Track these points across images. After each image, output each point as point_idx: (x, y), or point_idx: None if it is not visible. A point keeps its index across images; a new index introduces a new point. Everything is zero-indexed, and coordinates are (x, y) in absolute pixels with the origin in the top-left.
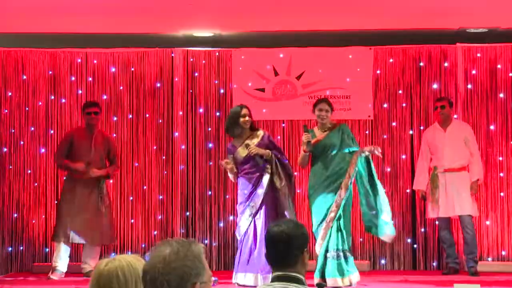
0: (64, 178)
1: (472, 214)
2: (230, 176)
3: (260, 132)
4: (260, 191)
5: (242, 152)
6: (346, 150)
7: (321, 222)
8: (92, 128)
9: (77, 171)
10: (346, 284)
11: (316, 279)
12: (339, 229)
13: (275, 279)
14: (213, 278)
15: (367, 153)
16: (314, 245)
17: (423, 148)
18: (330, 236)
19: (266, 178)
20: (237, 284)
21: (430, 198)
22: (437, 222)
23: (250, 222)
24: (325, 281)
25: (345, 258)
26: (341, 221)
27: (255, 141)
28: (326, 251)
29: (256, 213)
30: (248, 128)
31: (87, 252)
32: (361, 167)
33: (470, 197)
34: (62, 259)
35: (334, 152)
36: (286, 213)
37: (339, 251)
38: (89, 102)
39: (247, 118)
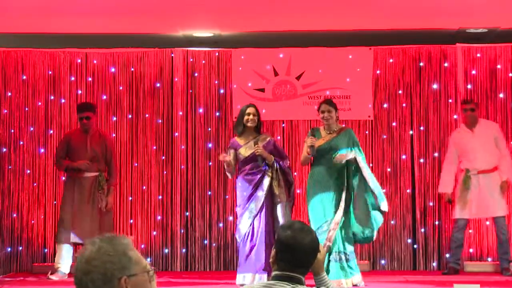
0: (64, 178)
1: (504, 215)
2: (227, 170)
3: (267, 137)
4: (260, 194)
5: (244, 152)
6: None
7: (318, 228)
8: (87, 130)
9: (80, 169)
10: (349, 285)
11: None
12: (341, 231)
13: (274, 278)
14: (152, 267)
15: (350, 156)
16: None
17: (450, 151)
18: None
19: (266, 181)
20: (240, 285)
21: (458, 199)
22: (458, 222)
23: (250, 224)
24: None
25: (347, 260)
26: (343, 224)
27: (261, 144)
28: (329, 253)
29: (256, 215)
30: (254, 128)
31: None
32: (353, 177)
33: (502, 198)
34: (64, 259)
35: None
36: (280, 220)
37: (341, 253)
38: (81, 106)
39: (251, 117)
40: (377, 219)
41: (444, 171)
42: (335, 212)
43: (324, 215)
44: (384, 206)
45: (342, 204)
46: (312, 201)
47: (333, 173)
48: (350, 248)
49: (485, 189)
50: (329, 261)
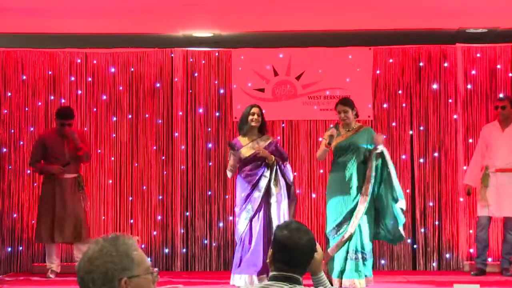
0: (43, 179)
1: None
2: (231, 169)
3: (269, 138)
4: (257, 194)
5: (245, 152)
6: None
7: (337, 226)
8: (64, 134)
9: (53, 173)
10: (362, 285)
11: (335, 280)
12: (360, 231)
13: (272, 279)
14: (155, 269)
15: (380, 149)
16: (325, 245)
17: (479, 144)
18: (351, 237)
19: (264, 182)
20: (234, 285)
21: (479, 196)
22: (480, 220)
23: (247, 225)
24: (341, 282)
25: (364, 259)
26: (363, 223)
27: (262, 144)
28: (347, 252)
29: (254, 215)
30: (257, 129)
31: (78, 250)
32: (377, 169)
33: None
34: (52, 258)
35: (356, 153)
36: (276, 220)
37: (358, 253)
38: (63, 114)
39: (255, 117)
40: (400, 218)
41: (471, 163)
42: (350, 214)
43: (339, 217)
44: (402, 204)
45: (361, 209)
46: (328, 201)
47: (351, 174)
48: (368, 248)
49: (502, 189)
50: (346, 259)
